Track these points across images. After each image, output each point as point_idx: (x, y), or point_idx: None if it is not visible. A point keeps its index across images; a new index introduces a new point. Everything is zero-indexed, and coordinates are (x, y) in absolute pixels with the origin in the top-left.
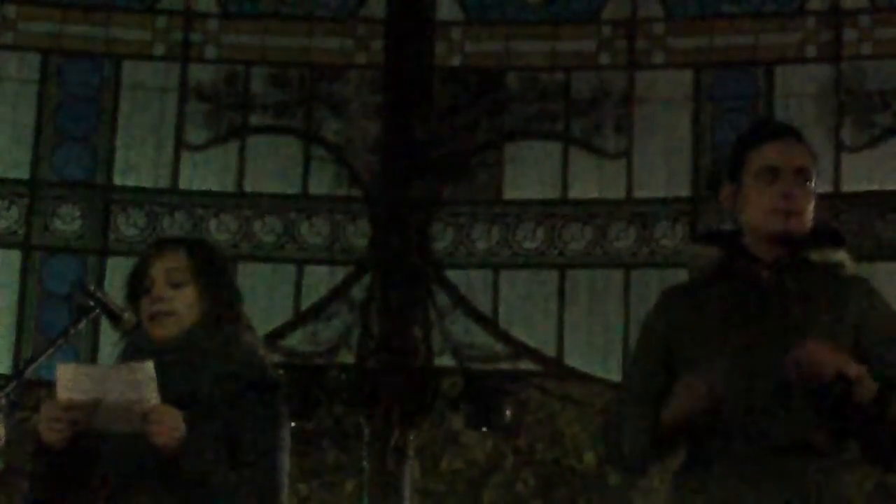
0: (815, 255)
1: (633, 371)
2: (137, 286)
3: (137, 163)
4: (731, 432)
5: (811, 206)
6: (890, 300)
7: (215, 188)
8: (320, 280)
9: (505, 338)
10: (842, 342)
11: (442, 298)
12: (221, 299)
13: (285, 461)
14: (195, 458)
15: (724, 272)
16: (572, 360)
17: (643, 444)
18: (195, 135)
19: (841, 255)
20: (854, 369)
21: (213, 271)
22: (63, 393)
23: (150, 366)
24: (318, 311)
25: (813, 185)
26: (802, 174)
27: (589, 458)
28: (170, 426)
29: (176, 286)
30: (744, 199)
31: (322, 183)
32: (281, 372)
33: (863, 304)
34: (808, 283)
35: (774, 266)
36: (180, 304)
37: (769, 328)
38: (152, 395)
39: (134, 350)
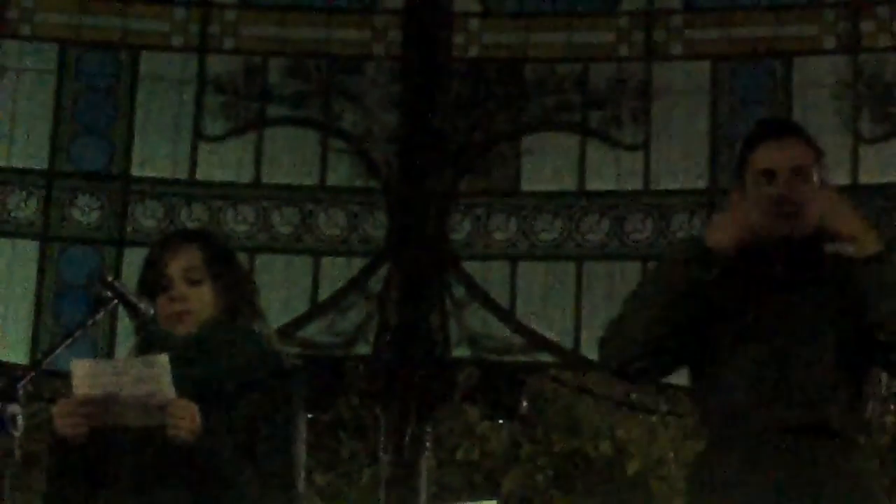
0: (827, 248)
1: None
2: (153, 284)
3: (155, 154)
4: (748, 415)
5: (815, 202)
6: None
7: (233, 179)
8: (337, 271)
9: (522, 329)
10: (856, 324)
11: (459, 290)
12: (238, 292)
13: (301, 451)
14: (212, 451)
15: (738, 269)
16: (589, 352)
17: (642, 335)
18: (213, 126)
19: (852, 249)
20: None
21: (226, 265)
22: (78, 388)
23: (164, 359)
24: (335, 303)
25: (816, 179)
26: (800, 172)
27: (606, 447)
28: (186, 419)
29: (194, 284)
30: (747, 201)
31: (340, 174)
32: (297, 362)
33: (867, 269)
34: (819, 274)
35: (785, 261)
36: (199, 301)
37: (782, 318)
38: (168, 389)
39: (150, 346)
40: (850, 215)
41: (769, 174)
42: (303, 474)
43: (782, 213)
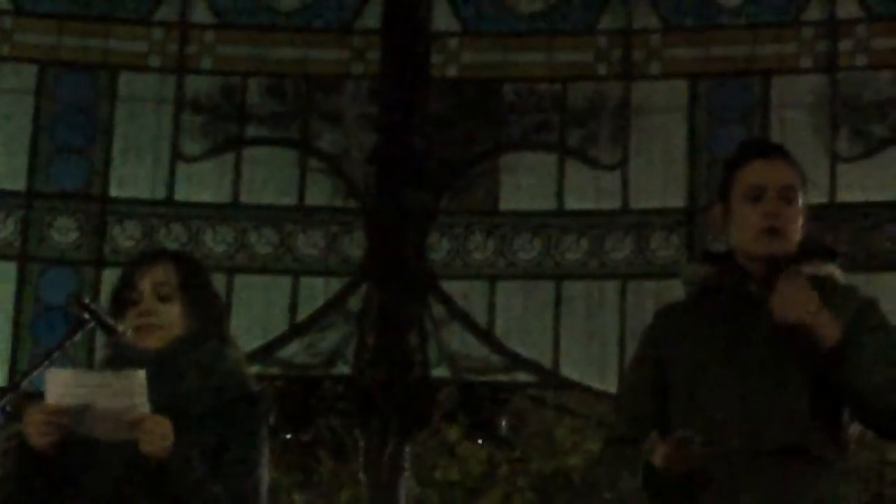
0: (805, 269)
1: (626, 396)
2: (124, 298)
3: (133, 174)
4: (727, 439)
5: (797, 224)
6: (886, 312)
7: (211, 199)
8: (316, 291)
9: (501, 349)
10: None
11: (438, 310)
12: (207, 314)
13: (265, 475)
14: (183, 468)
15: (716, 288)
16: (568, 371)
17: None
18: (191, 146)
19: (830, 268)
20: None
21: (199, 286)
22: (52, 398)
23: (141, 374)
24: (313, 323)
25: (800, 202)
26: (787, 193)
27: (585, 467)
28: (159, 435)
29: (163, 300)
30: (731, 219)
31: (318, 194)
32: (265, 386)
33: (851, 314)
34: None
35: (763, 280)
36: (167, 317)
37: (759, 339)
38: (142, 404)
39: (117, 360)
40: (808, 307)
41: (757, 192)
42: (266, 497)
43: (768, 230)
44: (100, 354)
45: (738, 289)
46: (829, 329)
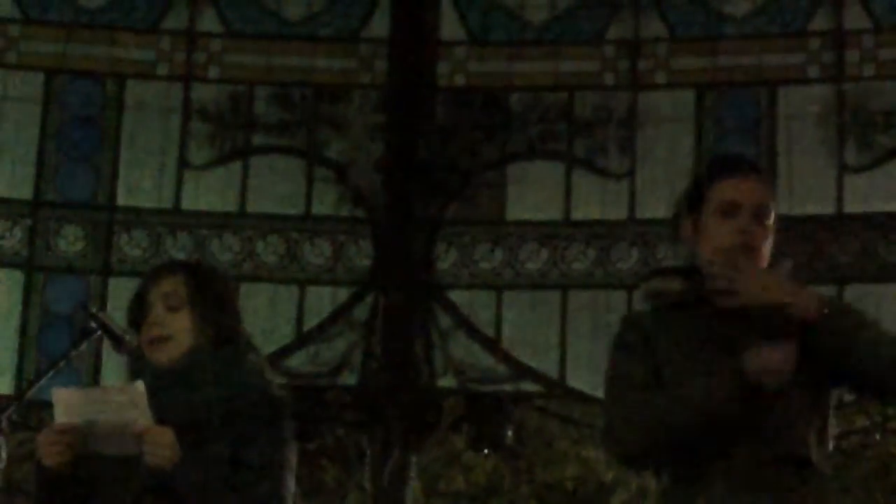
0: None
1: (627, 370)
2: (137, 313)
3: (140, 183)
4: (728, 450)
5: (768, 243)
6: (893, 323)
7: (218, 208)
8: (323, 301)
9: (507, 359)
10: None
11: (444, 319)
12: (220, 321)
13: (290, 481)
14: (191, 479)
15: (686, 303)
16: (574, 382)
17: (673, 426)
18: (198, 155)
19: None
20: (787, 295)
21: (211, 294)
22: (60, 417)
23: (139, 385)
24: (320, 332)
25: (770, 221)
26: (760, 211)
27: (589, 478)
28: (163, 446)
29: (173, 310)
30: (702, 233)
31: (325, 203)
32: (285, 393)
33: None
34: (766, 307)
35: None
36: (177, 327)
37: (731, 350)
38: (145, 416)
39: (137, 377)
40: (781, 285)
41: (732, 207)
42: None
43: (741, 246)
44: (123, 373)
45: (711, 302)
46: (808, 302)
